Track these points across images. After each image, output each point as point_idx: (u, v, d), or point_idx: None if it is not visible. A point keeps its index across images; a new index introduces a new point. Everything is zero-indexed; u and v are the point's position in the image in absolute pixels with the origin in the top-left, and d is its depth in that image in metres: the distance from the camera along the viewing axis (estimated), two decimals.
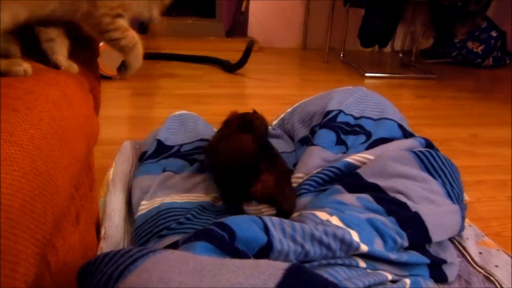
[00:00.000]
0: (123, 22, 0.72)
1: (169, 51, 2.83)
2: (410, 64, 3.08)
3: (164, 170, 1.03)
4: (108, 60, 2.22)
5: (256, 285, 0.43)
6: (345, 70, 2.92)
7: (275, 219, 0.70)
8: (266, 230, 0.67)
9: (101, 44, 2.32)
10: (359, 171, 0.96)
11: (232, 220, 0.65)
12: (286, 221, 0.70)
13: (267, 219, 0.70)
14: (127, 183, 1.03)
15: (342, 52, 3.18)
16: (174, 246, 0.61)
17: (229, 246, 0.59)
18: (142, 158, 1.10)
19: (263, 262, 0.47)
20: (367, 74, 2.72)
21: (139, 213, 0.86)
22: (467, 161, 1.55)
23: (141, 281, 0.44)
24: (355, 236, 0.72)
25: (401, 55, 3.23)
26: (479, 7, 2.99)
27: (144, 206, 0.88)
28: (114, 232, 0.84)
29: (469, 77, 3.00)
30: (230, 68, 2.59)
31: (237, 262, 0.47)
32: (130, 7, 0.73)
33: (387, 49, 3.53)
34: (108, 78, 2.25)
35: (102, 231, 0.83)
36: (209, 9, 3.39)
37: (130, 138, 1.36)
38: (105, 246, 0.79)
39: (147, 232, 0.80)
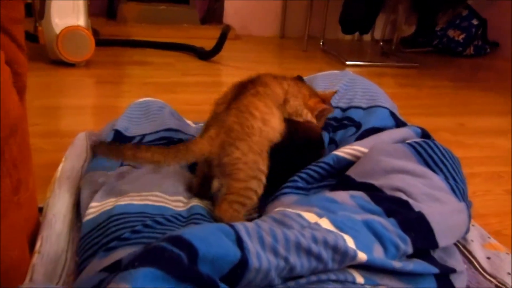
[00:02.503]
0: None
1: (140, 38, 2.66)
2: (390, 53, 2.99)
3: (121, 165, 0.88)
4: (70, 46, 2.04)
5: None
6: (325, 58, 2.80)
7: (251, 225, 0.56)
8: (239, 242, 0.52)
9: (62, 27, 2.11)
10: (348, 172, 0.83)
11: (193, 233, 0.50)
12: (265, 227, 0.56)
13: (240, 227, 0.55)
14: (77, 182, 0.87)
15: (321, 41, 3.06)
16: (115, 267, 0.46)
17: (187, 270, 0.45)
18: None
19: None
20: (348, 63, 2.61)
21: (86, 218, 0.71)
22: (458, 152, 1.43)
23: None
24: (350, 243, 0.59)
25: (381, 43, 3.14)
26: None
27: (94, 209, 0.72)
28: (54, 243, 0.68)
29: (450, 66, 2.94)
30: (205, 55, 2.44)
31: None
32: None
33: (367, 37, 3.44)
34: (70, 65, 2.08)
35: (38, 243, 0.67)
36: None
37: (91, 129, 1.20)
38: (39, 262, 0.63)
39: (94, 243, 0.65)
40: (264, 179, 0.80)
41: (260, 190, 0.80)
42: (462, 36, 3.16)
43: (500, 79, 2.68)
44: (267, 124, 0.83)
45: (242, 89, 0.87)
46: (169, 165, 0.78)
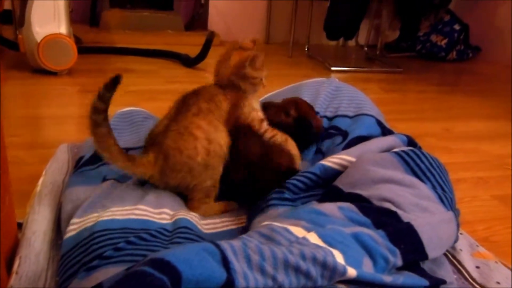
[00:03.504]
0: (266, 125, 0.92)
1: (124, 45, 2.63)
2: (375, 58, 3.01)
3: (104, 179, 0.85)
4: (51, 54, 2.01)
5: None
6: (310, 64, 2.81)
7: (237, 244, 0.54)
8: (225, 262, 0.51)
9: (43, 35, 2.08)
10: (336, 183, 0.82)
11: (176, 254, 0.48)
12: (252, 245, 0.54)
13: (225, 246, 0.53)
14: (58, 196, 0.84)
15: (306, 46, 3.07)
16: None
17: None
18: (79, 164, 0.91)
19: None
20: (333, 68, 2.62)
21: (67, 235, 0.68)
22: (444, 158, 1.43)
23: None
24: (339, 258, 0.58)
25: (366, 48, 3.16)
26: (443, 0, 2.95)
27: (75, 226, 0.70)
28: (33, 263, 0.65)
29: (434, 71, 2.97)
30: (189, 62, 2.42)
31: None
32: None
33: (351, 43, 3.46)
34: (52, 73, 2.04)
35: (16, 263, 0.64)
36: (167, 1, 3.21)
37: (74, 140, 1.18)
38: (17, 284, 0.60)
39: (75, 261, 0.63)
40: (218, 177, 0.85)
41: (218, 183, 0.86)
42: (444, 41, 3.20)
43: (483, 84, 2.71)
44: (213, 142, 0.83)
45: (184, 105, 0.86)
46: (119, 166, 0.81)
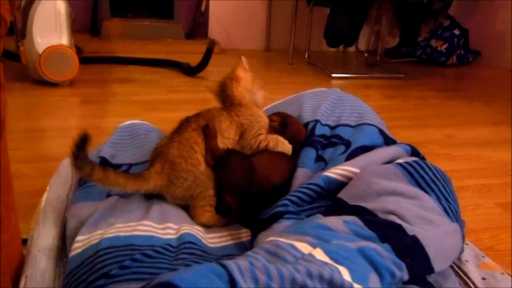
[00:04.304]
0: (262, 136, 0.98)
1: (125, 55, 2.64)
2: (375, 64, 3.02)
3: (108, 195, 0.85)
4: (53, 65, 2.01)
5: None
6: (311, 71, 2.81)
7: (244, 263, 0.54)
8: (232, 283, 0.51)
9: (45, 47, 2.08)
10: (340, 195, 0.82)
11: (183, 277, 0.48)
12: (258, 265, 0.54)
13: (232, 266, 0.53)
14: (63, 212, 0.84)
15: (307, 53, 3.08)
16: None
17: None
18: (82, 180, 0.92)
19: None
20: (333, 75, 2.62)
21: (72, 253, 0.68)
22: (447, 165, 1.44)
23: None
24: (345, 275, 0.58)
25: (366, 54, 3.17)
26: (443, 5, 2.96)
27: (80, 244, 0.70)
28: (39, 281, 0.65)
29: (435, 76, 2.97)
30: (190, 71, 2.42)
31: None
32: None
33: (352, 49, 3.47)
34: (54, 84, 2.05)
35: (22, 282, 0.64)
36: (167, 10, 3.23)
37: None
38: None
39: (81, 280, 0.63)
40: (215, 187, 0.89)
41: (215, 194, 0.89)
42: (444, 46, 3.21)
43: (484, 88, 2.71)
44: None
45: (186, 122, 0.93)
46: (129, 191, 0.82)
